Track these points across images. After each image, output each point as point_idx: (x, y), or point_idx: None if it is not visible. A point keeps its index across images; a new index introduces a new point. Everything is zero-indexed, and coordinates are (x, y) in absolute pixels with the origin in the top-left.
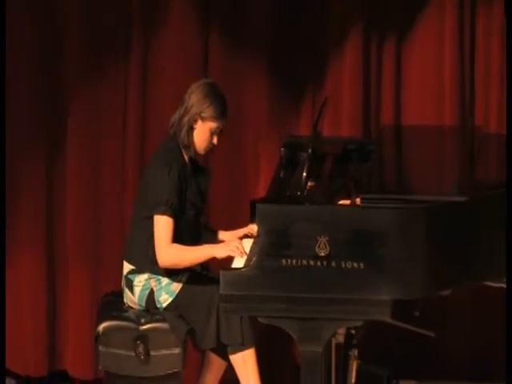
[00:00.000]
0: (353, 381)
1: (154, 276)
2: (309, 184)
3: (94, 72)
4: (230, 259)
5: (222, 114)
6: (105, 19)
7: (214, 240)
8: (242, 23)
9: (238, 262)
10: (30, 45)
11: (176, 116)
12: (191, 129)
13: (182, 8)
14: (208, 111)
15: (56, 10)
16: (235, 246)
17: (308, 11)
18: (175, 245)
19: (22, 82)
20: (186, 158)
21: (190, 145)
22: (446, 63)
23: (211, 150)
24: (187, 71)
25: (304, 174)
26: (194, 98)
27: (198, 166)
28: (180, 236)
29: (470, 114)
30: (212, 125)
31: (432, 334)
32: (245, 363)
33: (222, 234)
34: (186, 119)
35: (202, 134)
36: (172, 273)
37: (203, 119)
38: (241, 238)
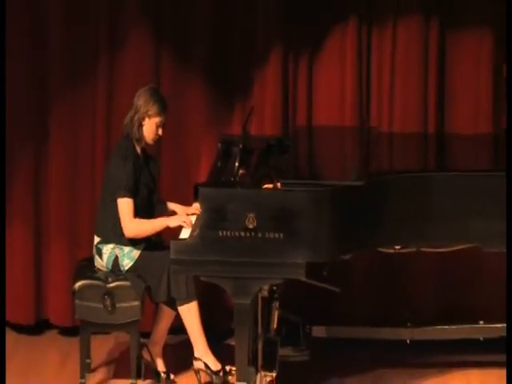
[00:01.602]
0: (274, 326)
1: (119, 246)
2: (240, 172)
3: (71, 81)
4: (178, 230)
5: (163, 110)
6: (80, 41)
7: (165, 210)
8: (187, 44)
9: (185, 234)
10: (22, 57)
11: (128, 117)
12: (140, 125)
13: (139, 31)
14: (153, 109)
15: (42, 37)
16: (185, 219)
17: (239, 37)
18: (137, 219)
19: (15, 87)
20: (138, 150)
21: (140, 138)
22: (347, 75)
23: (158, 139)
24: (143, 81)
25: (236, 164)
26: (141, 100)
27: (149, 156)
28: (137, 210)
29: (366, 117)
30: (157, 120)
31: (337, 289)
32: (190, 313)
33: (170, 205)
34: (136, 118)
35: (150, 129)
36: (132, 243)
37: (149, 116)
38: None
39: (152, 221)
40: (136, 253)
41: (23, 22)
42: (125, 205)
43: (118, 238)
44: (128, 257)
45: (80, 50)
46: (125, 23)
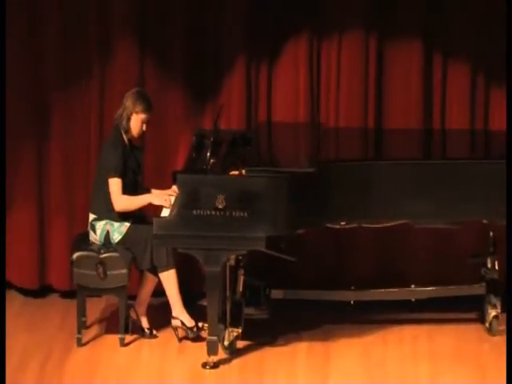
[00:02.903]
0: (240, 290)
1: (109, 222)
2: (211, 161)
3: (68, 84)
4: (160, 210)
5: (149, 108)
6: (76, 47)
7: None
8: (167, 53)
9: (165, 212)
10: (26, 62)
11: (118, 113)
12: (129, 119)
13: (127, 40)
14: (139, 107)
15: (39, 51)
16: (166, 198)
17: (211, 47)
18: (125, 196)
19: (19, 88)
20: (126, 140)
21: (128, 130)
22: (301, 79)
23: (142, 134)
24: (131, 83)
25: (208, 154)
26: (130, 99)
27: (135, 145)
28: (125, 189)
29: (316, 114)
30: (142, 116)
31: (292, 259)
32: (169, 279)
33: (153, 192)
34: (125, 114)
35: (136, 123)
36: (121, 219)
37: (137, 113)
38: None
39: (138, 197)
40: (124, 228)
41: (20, 24)
42: (115, 183)
43: (110, 214)
44: (117, 231)
45: (76, 56)
46: (114, 34)
